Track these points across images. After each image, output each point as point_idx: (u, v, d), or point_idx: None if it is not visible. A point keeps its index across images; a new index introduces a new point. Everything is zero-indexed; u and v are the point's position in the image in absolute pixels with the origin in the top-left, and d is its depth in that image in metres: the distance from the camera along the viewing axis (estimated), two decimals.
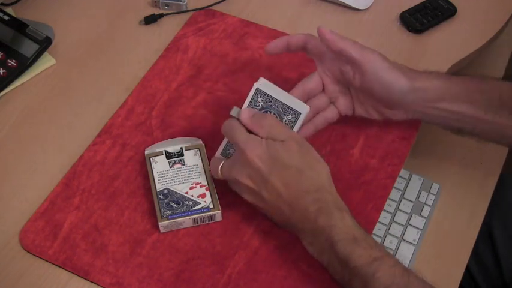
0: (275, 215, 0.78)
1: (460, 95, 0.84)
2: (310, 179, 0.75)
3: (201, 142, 0.87)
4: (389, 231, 1.05)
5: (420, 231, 1.05)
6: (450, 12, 1.04)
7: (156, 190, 0.82)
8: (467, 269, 1.03)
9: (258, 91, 0.80)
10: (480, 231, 1.05)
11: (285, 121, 0.81)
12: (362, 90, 0.84)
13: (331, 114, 0.87)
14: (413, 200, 1.09)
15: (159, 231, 0.80)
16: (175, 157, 0.85)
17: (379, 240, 1.04)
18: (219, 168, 0.80)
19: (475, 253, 1.04)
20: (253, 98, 0.81)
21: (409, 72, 0.83)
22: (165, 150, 0.86)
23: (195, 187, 0.82)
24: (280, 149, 0.76)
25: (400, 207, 1.08)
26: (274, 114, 0.81)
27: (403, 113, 0.86)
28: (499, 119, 0.85)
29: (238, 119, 0.79)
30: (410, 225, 1.06)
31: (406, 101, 0.83)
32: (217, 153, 0.83)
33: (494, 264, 1.06)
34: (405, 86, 0.82)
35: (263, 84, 0.81)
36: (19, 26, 0.98)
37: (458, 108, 0.84)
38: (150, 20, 1.03)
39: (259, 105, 0.81)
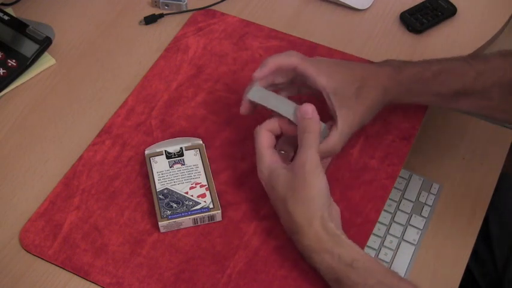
0: None
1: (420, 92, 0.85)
2: (291, 219, 0.75)
3: (201, 142, 0.87)
4: (389, 231, 1.05)
5: (420, 231, 1.05)
6: (450, 12, 1.04)
7: (156, 190, 0.82)
8: (467, 269, 1.03)
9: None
10: (480, 231, 1.05)
11: None
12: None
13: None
14: (413, 200, 1.09)
15: (159, 231, 0.80)
16: (175, 157, 0.85)
17: (379, 240, 1.04)
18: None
19: (475, 253, 1.04)
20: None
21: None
22: (165, 150, 0.86)
23: (195, 187, 0.82)
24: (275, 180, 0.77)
25: (400, 207, 1.08)
26: None
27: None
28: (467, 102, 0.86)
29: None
30: (410, 225, 1.06)
31: None
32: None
33: (492, 264, 1.06)
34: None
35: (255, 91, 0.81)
36: (19, 26, 0.98)
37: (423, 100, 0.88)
38: (150, 20, 1.03)
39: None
